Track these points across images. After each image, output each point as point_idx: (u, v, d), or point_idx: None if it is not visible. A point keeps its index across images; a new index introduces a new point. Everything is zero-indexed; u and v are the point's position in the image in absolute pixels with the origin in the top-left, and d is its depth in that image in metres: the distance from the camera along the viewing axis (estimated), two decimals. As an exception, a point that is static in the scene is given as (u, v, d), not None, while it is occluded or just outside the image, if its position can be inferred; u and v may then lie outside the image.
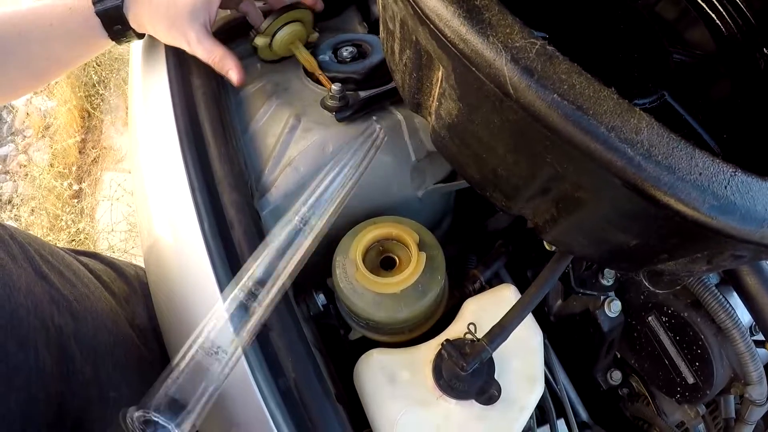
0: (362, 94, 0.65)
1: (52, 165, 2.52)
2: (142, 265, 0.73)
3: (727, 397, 0.64)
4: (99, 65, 2.71)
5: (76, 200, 2.54)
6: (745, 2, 0.62)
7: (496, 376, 0.52)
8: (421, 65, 0.41)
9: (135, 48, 0.76)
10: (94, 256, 0.67)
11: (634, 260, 0.41)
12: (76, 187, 2.55)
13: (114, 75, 2.74)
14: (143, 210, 0.61)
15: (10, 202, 2.52)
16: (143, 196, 0.61)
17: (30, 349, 0.42)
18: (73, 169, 2.55)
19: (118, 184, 2.50)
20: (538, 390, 0.54)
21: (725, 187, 0.30)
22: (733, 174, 0.30)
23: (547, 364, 0.66)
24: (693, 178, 0.29)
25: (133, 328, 0.57)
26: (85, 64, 2.57)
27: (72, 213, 2.45)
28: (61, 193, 2.51)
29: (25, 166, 2.62)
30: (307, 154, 0.61)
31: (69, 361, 0.45)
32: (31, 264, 0.48)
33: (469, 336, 0.53)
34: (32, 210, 2.48)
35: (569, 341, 0.71)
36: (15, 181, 2.65)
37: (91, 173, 2.62)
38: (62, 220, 2.41)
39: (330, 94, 0.63)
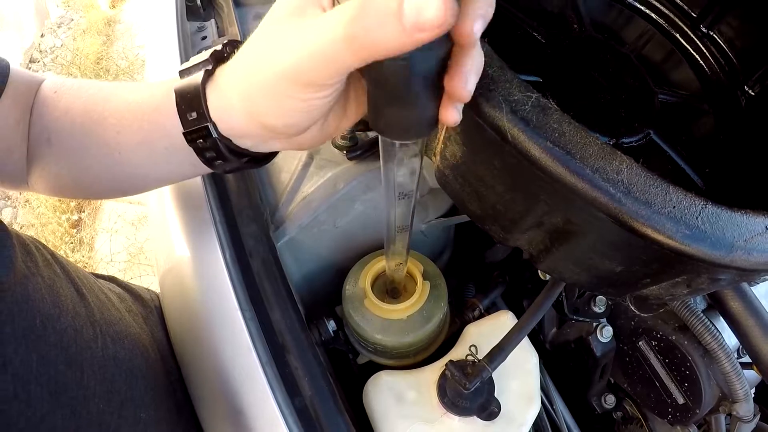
0: (371, 134, 0.67)
1: (53, 195, 2.52)
2: (153, 289, 0.75)
3: (717, 416, 0.65)
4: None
5: (75, 230, 2.54)
6: (728, 43, 0.65)
7: (495, 395, 0.55)
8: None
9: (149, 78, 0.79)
10: (112, 279, 0.67)
11: (621, 285, 0.43)
12: (75, 216, 2.55)
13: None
14: (163, 242, 0.64)
15: (8, 230, 2.51)
16: (164, 228, 0.64)
17: (77, 368, 0.42)
18: (74, 199, 2.56)
19: (118, 215, 2.51)
20: (534, 407, 0.57)
21: (696, 218, 0.33)
22: (703, 206, 0.33)
23: (543, 389, 0.68)
24: (667, 211, 0.32)
25: (156, 350, 0.59)
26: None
27: (71, 242, 2.45)
28: (60, 222, 2.51)
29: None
30: (320, 189, 0.64)
31: (109, 381, 0.46)
32: (72, 284, 0.48)
33: (470, 357, 0.55)
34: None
35: (564, 367, 0.73)
36: (15, 207, 2.65)
37: (91, 203, 2.61)
38: (61, 249, 2.40)
39: (341, 134, 0.66)
